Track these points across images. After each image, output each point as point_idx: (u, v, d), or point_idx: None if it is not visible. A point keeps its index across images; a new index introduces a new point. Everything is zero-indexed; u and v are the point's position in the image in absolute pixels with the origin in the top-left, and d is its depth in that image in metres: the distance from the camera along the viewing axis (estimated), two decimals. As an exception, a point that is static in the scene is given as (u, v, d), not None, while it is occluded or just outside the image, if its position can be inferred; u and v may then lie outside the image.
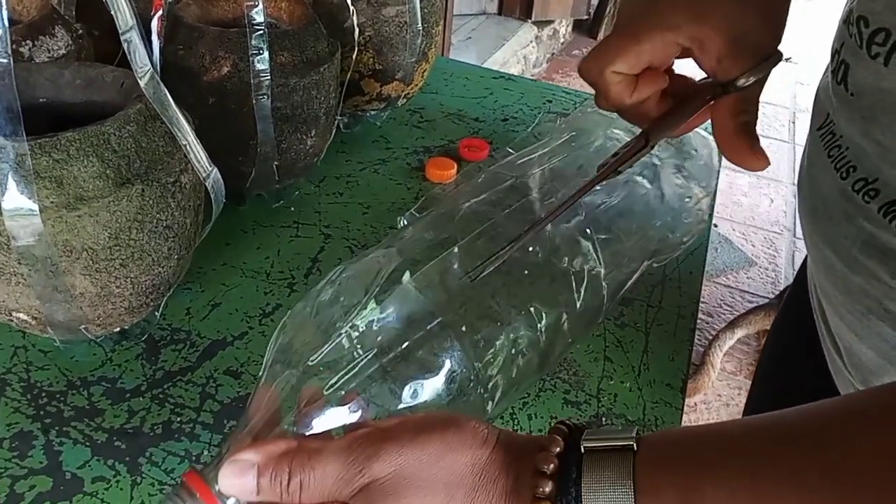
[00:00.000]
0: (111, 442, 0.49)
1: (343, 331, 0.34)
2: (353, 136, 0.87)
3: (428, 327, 0.35)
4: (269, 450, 0.30)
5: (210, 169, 0.51)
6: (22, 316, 0.48)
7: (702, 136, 0.46)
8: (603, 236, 0.42)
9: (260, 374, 0.35)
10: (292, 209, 0.74)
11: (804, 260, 0.68)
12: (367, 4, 0.74)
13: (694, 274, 0.72)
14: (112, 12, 0.45)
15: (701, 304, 0.71)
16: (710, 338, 1.79)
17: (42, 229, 0.42)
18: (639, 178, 0.44)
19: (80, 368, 0.54)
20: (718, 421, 0.30)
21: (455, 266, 0.39)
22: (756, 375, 0.84)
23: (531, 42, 2.94)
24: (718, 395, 1.71)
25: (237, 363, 0.56)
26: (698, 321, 0.71)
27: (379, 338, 0.34)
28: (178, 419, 0.51)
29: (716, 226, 2.21)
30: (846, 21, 0.45)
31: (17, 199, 0.41)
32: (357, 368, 0.33)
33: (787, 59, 3.32)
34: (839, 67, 0.44)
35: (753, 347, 1.81)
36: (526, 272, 0.41)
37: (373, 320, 0.35)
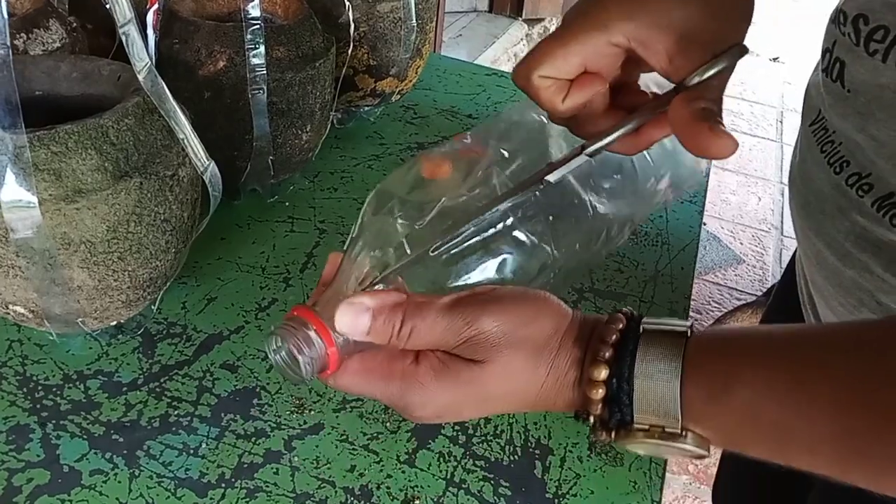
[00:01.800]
0: (109, 435, 0.49)
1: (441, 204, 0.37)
2: (347, 132, 0.87)
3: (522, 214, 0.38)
4: (383, 297, 0.33)
5: (207, 163, 0.51)
6: (19, 309, 0.48)
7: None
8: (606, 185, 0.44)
9: (348, 242, 0.38)
10: (287, 204, 0.74)
11: (792, 256, 0.69)
12: (361, 0, 0.75)
13: (685, 270, 0.72)
14: (110, 5, 0.45)
15: (691, 302, 0.72)
16: (699, 334, 1.81)
17: (40, 222, 0.42)
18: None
19: (76, 362, 0.54)
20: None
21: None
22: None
23: (521, 40, 2.95)
24: (707, 391, 1.72)
25: (234, 357, 0.56)
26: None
27: (479, 219, 0.37)
28: (176, 412, 0.51)
29: (704, 224, 2.23)
30: (835, 21, 0.46)
31: (15, 191, 0.41)
32: (457, 240, 0.36)
33: (774, 59, 3.35)
34: (833, 65, 0.45)
35: (741, 344, 1.83)
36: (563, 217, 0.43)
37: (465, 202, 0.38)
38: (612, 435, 0.32)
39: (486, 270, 0.37)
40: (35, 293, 0.46)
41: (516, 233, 0.38)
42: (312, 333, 0.34)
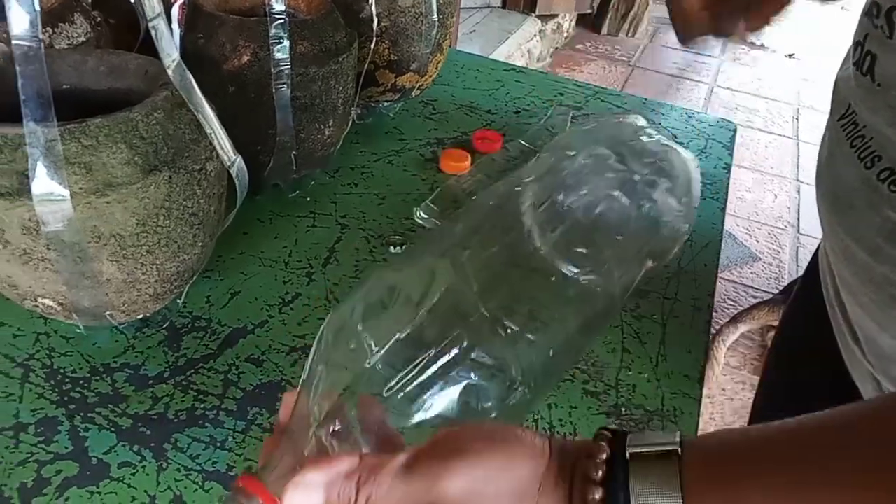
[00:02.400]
0: (136, 428, 0.49)
1: (395, 337, 0.34)
2: (367, 128, 0.87)
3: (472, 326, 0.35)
4: (333, 468, 0.30)
5: (235, 157, 0.51)
6: (48, 302, 0.48)
7: (681, 155, 0.45)
8: (583, 249, 0.41)
9: (302, 376, 0.35)
10: (308, 199, 0.74)
11: (815, 252, 0.68)
12: (383, -5, 0.74)
13: (708, 267, 0.72)
14: (136, 0, 0.45)
15: (710, 298, 0.72)
16: (714, 332, 1.80)
17: (71, 215, 0.42)
18: (616, 194, 0.42)
19: (102, 355, 0.54)
20: (758, 425, 0.30)
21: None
22: (766, 367, 0.84)
23: (535, 36, 2.94)
24: (723, 389, 1.71)
25: (258, 351, 0.56)
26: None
27: (433, 349, 0.34)
28: (202, 406, 0.51)
29: (719, 221, 2.21)
30: (868, 13, 0.45)
31: (46, 184, 0.41)
32: (413, 373, 0.33)
33: (789, 56, 3.32)
34: (864, 59, 0.44)
35: (757, 342, 1.81)
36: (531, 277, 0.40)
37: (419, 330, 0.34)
38: None
39: (449, 400, 0.34)
40: (64, 286, 0.46)
41: (474, 355, 0.35)
42: None
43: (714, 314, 2.14)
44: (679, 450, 0.28)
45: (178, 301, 0.57)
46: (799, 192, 2.38)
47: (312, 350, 0.35)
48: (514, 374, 0.35)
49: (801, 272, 0.80)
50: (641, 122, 0.48)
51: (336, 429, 0.33)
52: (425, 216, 0.72)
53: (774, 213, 2.27)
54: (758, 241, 2.14)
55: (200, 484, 0.46)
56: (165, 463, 0.47)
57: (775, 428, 0.29)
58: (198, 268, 0.54)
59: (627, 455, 0.29)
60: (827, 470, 0.26)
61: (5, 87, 0.44)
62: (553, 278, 0.38)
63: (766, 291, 1.95)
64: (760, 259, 2.07)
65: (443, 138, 0.87)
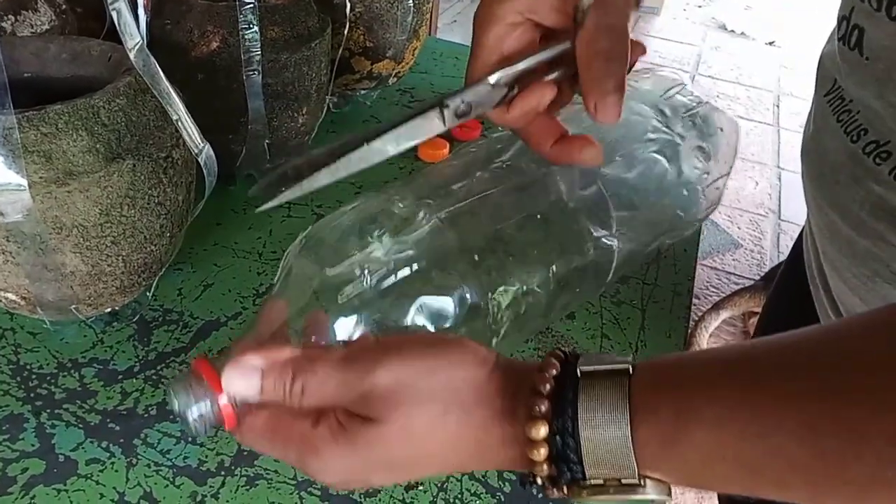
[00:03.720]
0: (105, 424, 0.48)
1: (361, 253, 0.34)
2: (344, 116, 0.85)
3: (442, 254, 0.35)
4: (273, 354, 0.31)
5: (202, 144, 0.49)
6: (10, 296, 0.47)
7: (726, 116, 0.44)
8: (618, 211, 0.41)
9: (274, 284, 0.36)
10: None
11: (799, 235, 0.68)
12: (357, -20, 0.73)
13: (688, 252, 0.72)
14: (99, -18, 0.43)
15: (689, 285, 0.72)
16: (696, 319, 1.80)
17: (31, 205, 0.41)
18: (658, 156, 0.42)
19: (70, 350, 0.53)
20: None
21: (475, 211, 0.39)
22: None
23: (517, 25, 2.93)
24: (705, 375, 1.72)
25: (231, 343, 0.55)
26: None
27: (394, 261, 0.34)
28: (173, 400, 0.50)
29: (702, 208, 2.22)
30: None
31: (4, 173, 0.40)
32: (372, 283, 0.33)
33: (770, 43, 3.33)
34: (850, 33, 0.44)
35: (739, 328, 1.82)
36: (543, 226, 0.40)
37: (391, 248, 0.35)
38: (566, 492, 0.29)
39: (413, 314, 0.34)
40: (27, 279, 0.45)
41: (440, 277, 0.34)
42: (203, 389, 0.32)
43: (696, 301, 2.15)
44: (630, 368, 0.28)
45: (148, 294, 0.56)
46: (780, 178, 2.40)
47: (284, 263, 0.36)
48: (478, 300, 0.35)
49: (782, 258, 0.80)
50: (676, 78, 0.47)
51: (312, 339, 0.35)
52: (402, 206, 0.71)
53: (756, 199, 2.28)
54: (739, 228, 2.15)
55: (171, 479, 0.45)
56: (135, 459, 0.46)
57: (729, 348, 0.29)
58: (166, 259, 0.53)
59: (578, 373, 0.28)
60: (774, 383, 0.25)
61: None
62: (571, 233, 0.38)
63: (747, 278, 1.96)
64: (742, 246, 2.09)
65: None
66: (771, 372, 0.26)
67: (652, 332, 0.61)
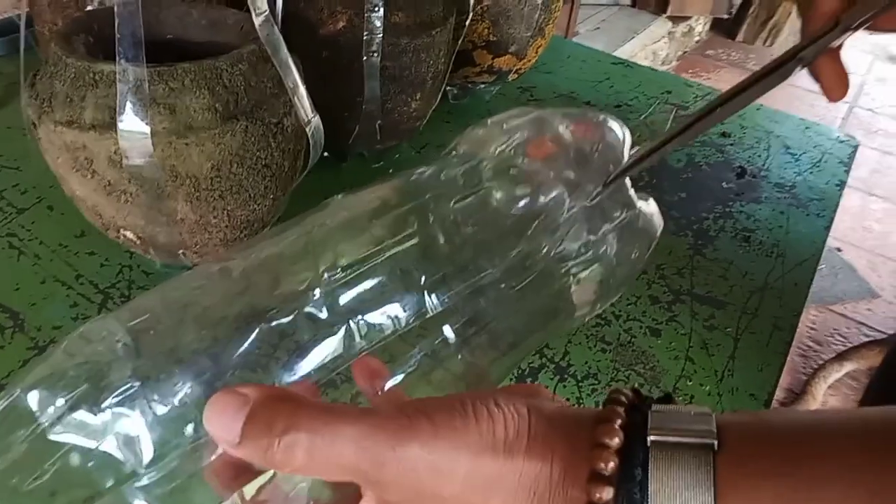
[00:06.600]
0: (192, 362, 0.52)
1: None
2: (461, 108, 0.87)
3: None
4: (273, 391, 0.23)
5: (312, 115, 0.52)
6: (129, 234, 0.52)
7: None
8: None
9: None
10: (391, 171, 0.75)
11: None
12: (488, -26, 0.74)
13: (799, 286, 0.67)
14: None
15: (811, 331, 0.67)
16: (816, 367, 1.67)
17: (152, 152, 0.45)
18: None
19: (174, 292, 0.57)
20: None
21: None
22: (862, 399, 0.78)
23: (663, 37, 2.84)
24: (816, 428, 1.59)
25: (317, 308, 0.57)
26: (806, 348, 0.66)
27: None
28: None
29: (839, 250, 2.05)
30: None
31: (132, 120, 0.44)
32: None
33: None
34: None
35: (862, 384, 1.67)
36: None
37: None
38: None
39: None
40: (143, 220, 0.49)
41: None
42: None
43: (819, 348, 2.00)
44: (714, 443, 0.22)
45: (250, 251, 0.60)
46: (937, 228, 2.17)
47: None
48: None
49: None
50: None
51: None
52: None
53: (904, 248, 2.08)
54: (880, 277, 1.97)
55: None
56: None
57: (835, 416, 0.23)
58: (268, 220, 0.56)
59: (648, 442, 0.23)
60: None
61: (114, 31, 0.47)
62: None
63: (880, 331, 1.79)
64: (880, 296, 1.91)
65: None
66: (889, 457, 0.21)
67: (742, 364, 0.57)
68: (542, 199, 0.30)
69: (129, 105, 0.44)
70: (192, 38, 0.56)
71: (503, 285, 0.30)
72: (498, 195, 0.31)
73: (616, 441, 0.22)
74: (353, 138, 0.69)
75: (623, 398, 0.24)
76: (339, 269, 0.28)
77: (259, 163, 0.50)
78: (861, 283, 1.95)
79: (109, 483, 0.24)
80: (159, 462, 0.24)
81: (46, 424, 0.23)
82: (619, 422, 0.23)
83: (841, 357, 1.67)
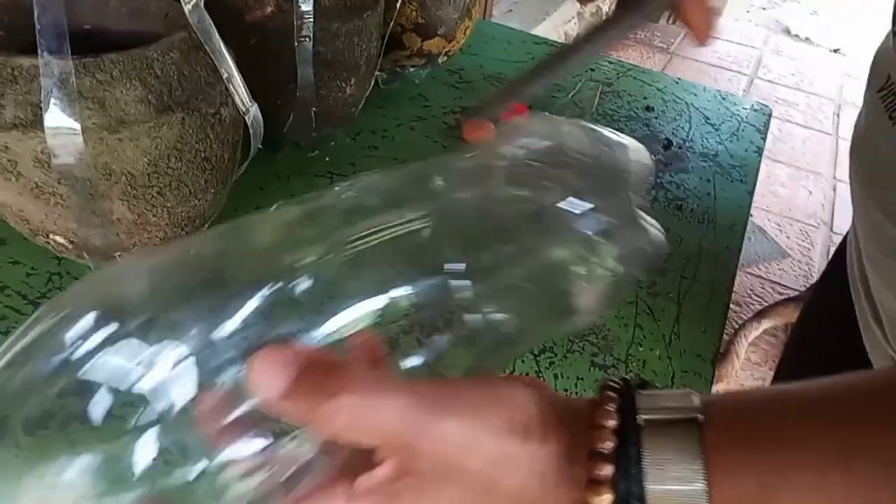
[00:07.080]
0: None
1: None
2: (392, 93, 0.86)
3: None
4: (320, 354, 0.24)
5: (250, 104, 0.50)
6: (59, 239, 0.48)
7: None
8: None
9: None
10: (328, 159, 0.73)
11: (843, 239, 0.66)
12: (414, -45, 0.73)
13: (730, 249, 0.70)
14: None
15: (731, 292, 0.70)
16: (737, 327, 1.76)
17: (83, 149, 0.42)
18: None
19: (112, 297, 0.54)
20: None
21: None
22: (782, 358, 0.83)
23: (573, 18, 2.89)
24: (741, 384, 1.68)
25: (266, 303, 0.56)
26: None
27: None
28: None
29: (751, 215, 2.17)
30: None
31: (59, 117, 0.41)
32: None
33: (834, 51, 3.23)
34: None
35: (780, 339, 1.78)
36: None
37: None
38: None
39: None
40: (75, 223, 0.47)
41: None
42: None
43: (737, 308, 2.10)
44: (699, 416, 0.24)
45: (190, 249, 0.57)
46: (835, 189, 2.32)
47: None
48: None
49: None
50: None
51: None
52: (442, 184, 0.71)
53: (808, 210, 2.22)
54: (788, 238, 2.10)
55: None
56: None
57: (806, 388, 0.25)
58: (209, 216, 0.54)
59: (640, 421, 0.24)
60: (874, 440, 0.22)
61: (28, 22, 0.43)
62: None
63: (793, 289, 1.91)
64: (790, 256, 2.03)
65: (467, 107, 0.86)
66: (866, 424, 0.23)
67: (687, 327, 0.60)
68: (543, 200, 0.31)
69: (54, 100, 0.41)
70: (111, 27, 0.53)
71: (503, 285, 0.30)
72: (498, 194, 0.32)
73: (612, 422, 0.25)
74: (288, 127, 0.67)
75: (615, 385, 0.26)
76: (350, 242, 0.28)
77: (198, 156, 0.48)
78: (772, 244, 2.07)
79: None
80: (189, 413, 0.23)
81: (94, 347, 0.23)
82: (613, 405, 0.25)
83: (759, 315, 1.76)
